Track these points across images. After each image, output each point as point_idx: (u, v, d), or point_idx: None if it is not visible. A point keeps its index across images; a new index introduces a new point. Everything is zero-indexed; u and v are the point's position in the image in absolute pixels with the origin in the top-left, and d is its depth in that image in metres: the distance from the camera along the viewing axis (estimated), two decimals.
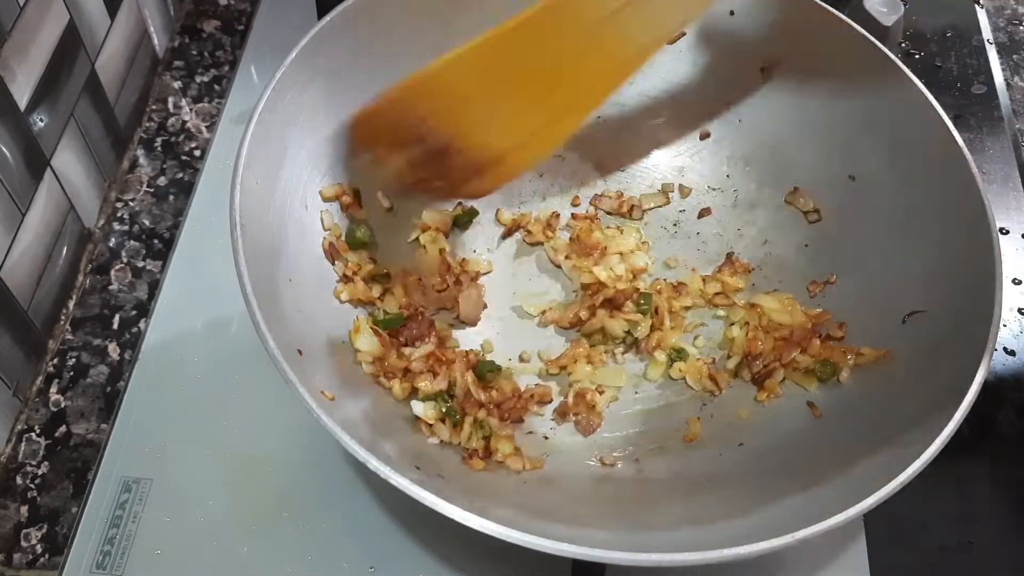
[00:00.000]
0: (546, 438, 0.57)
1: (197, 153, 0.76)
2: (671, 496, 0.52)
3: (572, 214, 0.68)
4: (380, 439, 0.49)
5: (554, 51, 0.54)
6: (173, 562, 0.54)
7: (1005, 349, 0.66)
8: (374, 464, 0.41)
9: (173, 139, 0.77)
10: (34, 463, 0.60)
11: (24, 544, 0.56)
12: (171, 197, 0.73)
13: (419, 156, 0.56)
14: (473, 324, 0.62)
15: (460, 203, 0.65)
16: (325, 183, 0.59)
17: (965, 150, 0.53)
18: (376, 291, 0.59)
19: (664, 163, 0.69)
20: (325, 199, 0.58)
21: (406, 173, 0.58)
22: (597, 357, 0.60)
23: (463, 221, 0.66)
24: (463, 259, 0.64)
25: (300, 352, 0.47)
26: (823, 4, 0.61)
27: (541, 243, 0.66)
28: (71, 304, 0.67)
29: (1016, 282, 0.70)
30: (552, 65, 0.55)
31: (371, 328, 0.55)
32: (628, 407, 0.59)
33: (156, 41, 0.81)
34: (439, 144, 0.55)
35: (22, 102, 0.59)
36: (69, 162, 0.66)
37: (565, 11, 0.54)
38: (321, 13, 0.59)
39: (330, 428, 0.42)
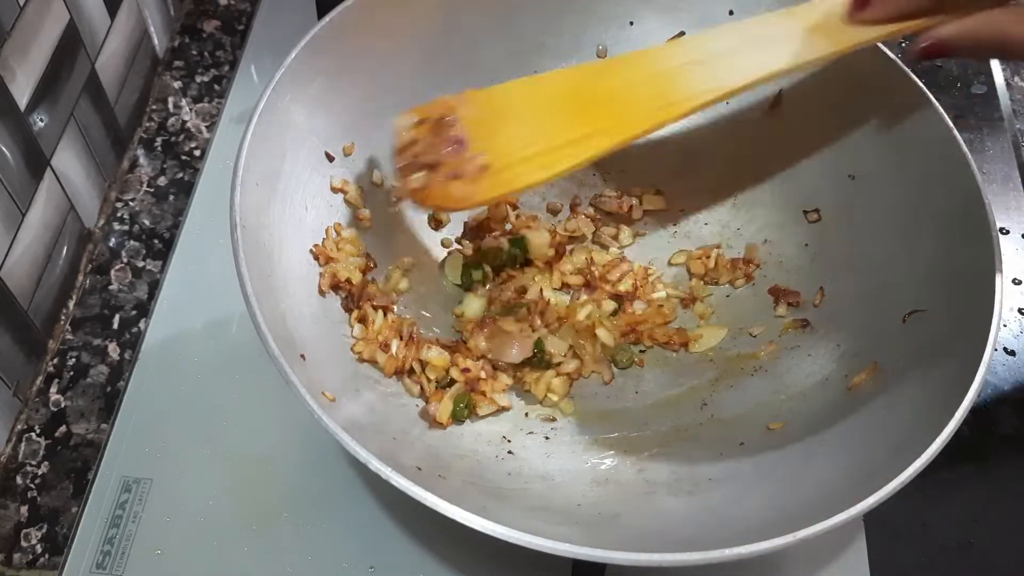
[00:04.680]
0: (547, 438, 0.57)
1: (197, 153, 0.76)
2: (671, 496, 0.52)
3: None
4: (381, 440, 0.49)
5: (605, 89, 0.54)
6: (173, 562, 0.54)
7: (1005, 349, 0.66)
8: (375, 465, 0.41)
9: (173, 139, 0.77)
10: (34, 463, 0.60)
11: (24, 544, 0.56)
12: (171, 197, 0.73)
13: (433, 141, 0.55)
14: None
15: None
16: (326, 183, 0.59)
17: (965, 150, 0.53)
18: None
19: (664, 163, 0.69)
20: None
21: (418, 150, 0.56)
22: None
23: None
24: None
25: (303, 357, 0.47)
26: None
27: None
28: (71, 304, 0.67)
29: (1016, 282, 0.70)
30: (596, 99, 0.54)
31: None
32: (629, 402, 0.59)
33: (156, 41, 0.81)
34: (457, 136, 0.54)
35: (22, 102, 0.59)
36: (69, 162, 0.66)
37: (634, 62, 0.55)
38: (321, 13, 0.59)
39: (331, 429, 0.42)
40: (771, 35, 0.53)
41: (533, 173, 0.54)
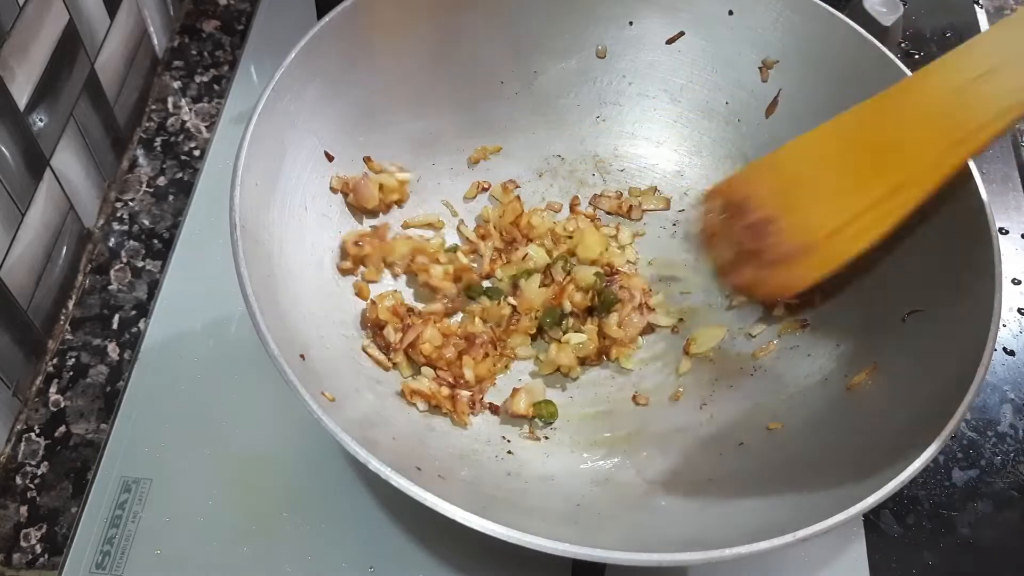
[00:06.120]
0: (546, 438, 0.57)
1: (197, 153, 0.76)
2: (671, 496, 0.52)
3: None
4: (381, 439, 0.49)
5: (893, 130, 0.51)
6: (173, 562, 0.54)
7: (1005, 349, 0.66)
8: (375, 465, 0.41)
9: (173, 139, 0.77)
10: (34, 463, 0.60)
11: (24, 544, 0.56)
12: (171, 197, 0.73)
13: (741, 230, 0.56)
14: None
15: None
16: (324, 183, 0.59)
17: None
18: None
19: (663, 163, 0.69)
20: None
21: (731, 242, 0.57)
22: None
23: None
24: None
25: (303, 357, 0.47)
26: (823, 4, 0.61)
27: None
28: (71, 304, 0.67)
29: (1016, 282, 0.70)
30: (888, 144, 0.51)
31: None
32: (628, 406, 0.59)
33: (156, 41, 0.81)
34: (761, 218, 0.54)
35: (22, 102, 0.59)
36: (69, 162, 0.66)
37: (912, 89, 0.51)
38: (321, 13, 0.59)
39: (331, 429, 0.42)
40: None
41: (849, 245, 0.52)
